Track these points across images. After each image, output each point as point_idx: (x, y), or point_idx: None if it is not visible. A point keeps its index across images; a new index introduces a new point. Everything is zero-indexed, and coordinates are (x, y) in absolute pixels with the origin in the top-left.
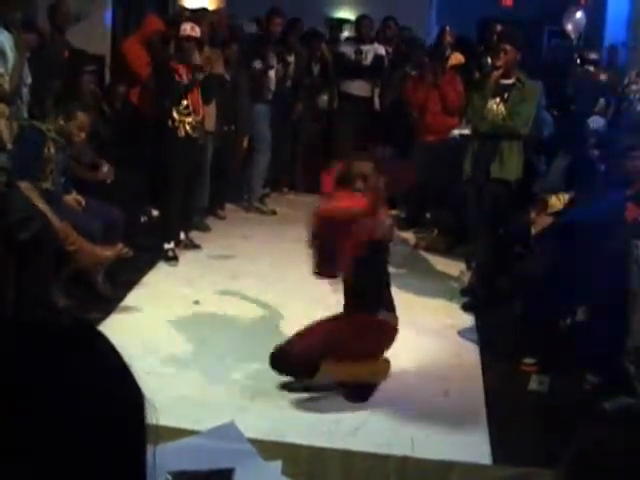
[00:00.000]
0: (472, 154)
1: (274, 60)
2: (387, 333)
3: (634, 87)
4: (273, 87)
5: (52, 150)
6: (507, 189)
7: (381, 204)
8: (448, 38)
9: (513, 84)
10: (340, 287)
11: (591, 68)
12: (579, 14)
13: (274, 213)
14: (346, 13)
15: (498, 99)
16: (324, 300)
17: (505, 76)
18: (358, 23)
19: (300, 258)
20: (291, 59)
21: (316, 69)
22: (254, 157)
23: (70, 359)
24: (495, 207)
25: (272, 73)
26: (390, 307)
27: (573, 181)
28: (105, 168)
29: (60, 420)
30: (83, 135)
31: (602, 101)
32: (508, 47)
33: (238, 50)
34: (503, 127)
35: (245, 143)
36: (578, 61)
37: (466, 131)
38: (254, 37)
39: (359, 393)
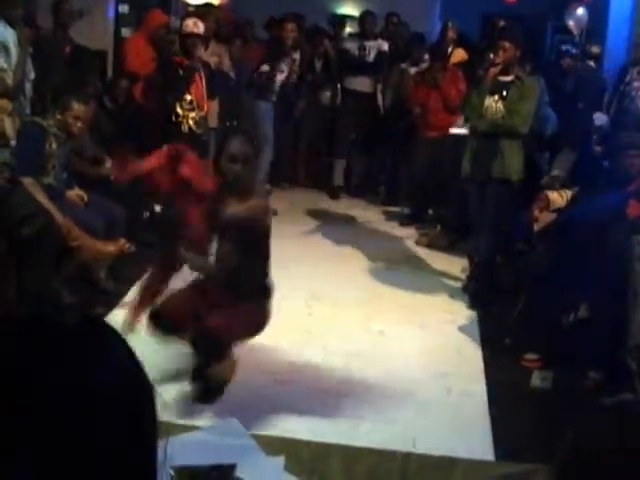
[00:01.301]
0: (471, 152)
1: (286, 65)
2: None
3: (636, 84)
4: (278, 87)
5: (54, 146)
6: (509, 188)
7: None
8: (451, 34)
9: (512, 81)
10: (337, 281)
11: (591, 63)
12: (581, 10)
13: (275, 214)
14: (350, 9)
15: (497, 96)
16: (324, 295)
17: (504, 73)
18: (362, 19)
19: (300, 254)
20: (296, 56)
21: (319, 65)
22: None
23: (84, 356)
24: (497, 206)
25: (280, 76)
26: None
27: (579, 177)
28: (108, 163)
29: (74, 418)
30: (79, 124)
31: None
32: (507, 44)
33: (242, 46)
34: (503, 126)
35: None
36: (568, 52)
37: (464, 130)
38: (266, 42)
39: (207, 395)
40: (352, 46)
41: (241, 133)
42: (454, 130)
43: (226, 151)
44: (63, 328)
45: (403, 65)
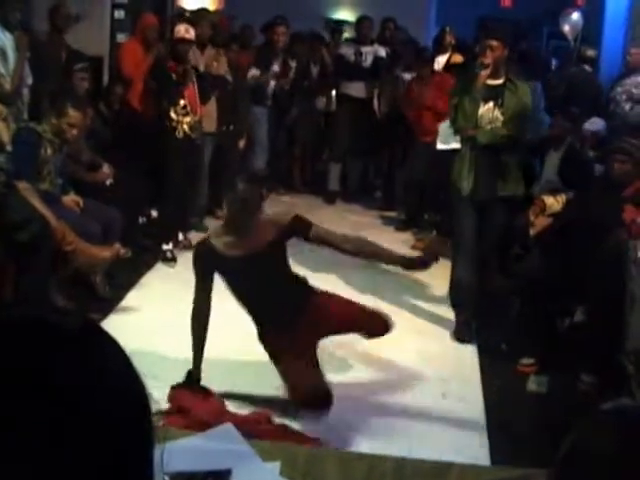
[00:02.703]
0: (470, 168)
1: (277, 67)
2: None
3: (620, 89)
4: (271, 91)
5: (49, 151)
6: (513, 205)
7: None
8: (449, 39)
9: (504, 85)
10: (333, 286)
11: (587, 67)
12: (576, 15)
13: None
14: (345, 14)
15: (492, 104)
16: None
17: (493, 76)
18: (358, 24)
19: (295, 259)
20: (293, 64)
21: (315, 71)
22: (251, 159)
23: (80, 359)
24: (502, 226)
25: (272, 81)
26: None
27: (567, 177)
28: (105, 168)
29: (68, 420)
30: (75, 132)
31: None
32: (495, 43)
33: (239, 51)
34: (507, 137)
35: (241, 144)
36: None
37: (455, 145)
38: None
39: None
40: (348, 51)
41: (248, 178)
42: (441, 146)
43: (235, 197)
44: (66, 332)
45: (397, 71)
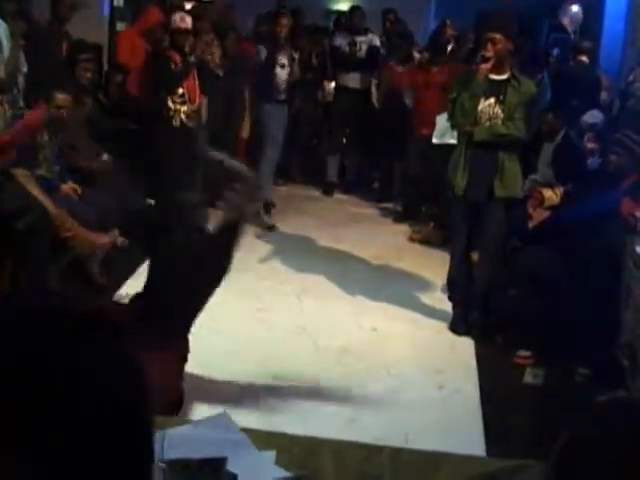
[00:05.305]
0: (465, 166)
1: (285, 59)
2: None
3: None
4: (284, 85)
5: (45, 137)
6: (511, 206)
7: None
8: (449, 31)
9: (507, 80)
10: (330, 277)
11: (584, 58)
12: (575, 8)
13: (273, 206)
14: (346, 5)
15: (493, 99)
16: (316, 291)
17: (496, 71)
18: (350, 14)
19: (293, 250)
20: (296, 56)
21: (316, 63)
22: (262, 154)
23: (93, 352)
24: (499, 228)
25: (282, 72)
26: None
27: (559, 168)
28: (105, 157)
29: (79, 410)
30: (63, 113)
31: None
32: (497, 36)
33: (235, 40)
34: (506, 136)
35: (244, 134)
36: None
37: (452, 140)
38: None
39: None
40: (342, 42)
41: None
42: (436, 141)
43: None
44: (78, 320)
45: (391, 63)
